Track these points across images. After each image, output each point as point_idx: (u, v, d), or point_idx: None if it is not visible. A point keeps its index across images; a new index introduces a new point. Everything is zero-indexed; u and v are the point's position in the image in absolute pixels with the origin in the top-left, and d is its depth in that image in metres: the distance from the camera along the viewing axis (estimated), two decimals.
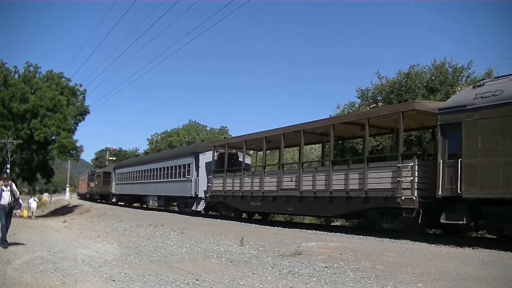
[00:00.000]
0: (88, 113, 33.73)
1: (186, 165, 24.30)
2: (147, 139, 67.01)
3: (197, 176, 23.06)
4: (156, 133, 63.73)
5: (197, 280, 6.81)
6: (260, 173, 18.60)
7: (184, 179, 24.29)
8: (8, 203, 10.84)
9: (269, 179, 18.03)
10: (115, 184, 39.15)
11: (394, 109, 14.15)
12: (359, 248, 10.00)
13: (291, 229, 15.23)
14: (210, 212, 24.15)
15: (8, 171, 25.10)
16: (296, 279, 6.88)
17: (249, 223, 18.31)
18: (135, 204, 36.51)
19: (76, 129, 32.08)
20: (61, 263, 8.39)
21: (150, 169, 30.66)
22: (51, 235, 14.21)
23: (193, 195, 23.15)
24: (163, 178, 27.83)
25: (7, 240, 10.86)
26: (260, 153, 24.06)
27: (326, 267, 7.75)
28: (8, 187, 10.92)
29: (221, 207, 21.95)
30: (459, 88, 20.67)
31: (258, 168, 21.30)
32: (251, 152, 27.76)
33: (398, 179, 12.23)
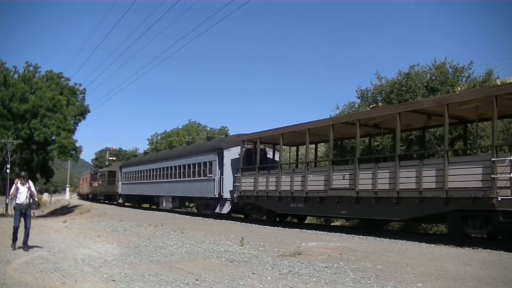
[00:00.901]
0: (88, 112, 33.70)
1: (208, 163, 22.14)
2: (147, 139, 67.06)
3: (221, 174, 20.82)
4: (156, 133, 63.84)
5: (197, 280, 6.81)
6: (302, 171, 16.49)
7: (206, 178, 22.14)
8: (26, 203, 10.36)
9: (314, 177, 15.81)
10: (122, 184, 37.07)
11: (485, 92, 11.96)
12: (359, 248, 10.01)
13: (291, 229, 15.23)
14: (235, 214, 22.24)
15: (8, 171, 25.05)
16: (296, 279, 6.88)
17: (249, 223, 18.31)
18: (143, 205, 34.85)
19: (76, 129, 32.07)
20: (61, 263, 8.39)
21: (163, 168, 28.30)
22: (51, 235, 14.20)
23: (217, 196, 20.92)
24: (179, 177, 25.55)
25: (28, 243, 10.30)
26: (286, 148, 22.82)
27: (326, 267, 7.75)
28: (26, 186, 10.39)
29: (251, 209, 19.58)
30: (459, 88, 20.69)
31: (293, 166, 20.36)
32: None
33: (492, 176, 10.25)
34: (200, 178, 22.87)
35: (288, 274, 7.28)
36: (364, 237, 12.66)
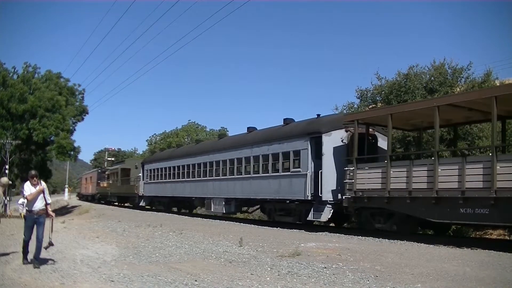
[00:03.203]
0: (87, 113, 33.69)
1: (291, 153, 16.39)
2: (146, 140, 67.01)
3: (317, 168, 15.22)
4: (155, 133, 63.78)
5: (196, 280, 6.80)
6: (484, 158, 11.75)
7: (288, 174, 16.53)
8: (39, 210, 8.36)
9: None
10: (145, 183, 30.71)
11: None
12: (358, 248, 10.02)
13: (290, 230, 15.23)
14: (333, 223, 17.21)
15: (7, 171, 25.03)
16: (295, 280, 6.88)
17: (248, 223, 18.31)
18: (167, 208, 28.94)
19: (74, 129, 32.09)
20: (60, 264, 8.37)
21: (212, 162, 22.22)
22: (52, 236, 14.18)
23: (309, 198, 15.32)
24: (239, 174, 19.85)
25: (39, 257, 8.31)
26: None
27: (325, 267, 7.76)
28: (38, 187, 8.39)
29: (372, 216, 14.15)
30: (458, 89, 20.73)
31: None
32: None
33: None
34: (277, 174, 17.21)
35: (287, 274, 7.28)
36: (363, 237, 12.66)
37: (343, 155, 15.01)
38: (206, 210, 23.36)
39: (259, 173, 18.35)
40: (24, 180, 9.29)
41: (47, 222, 8.63)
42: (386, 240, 12.10)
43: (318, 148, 15.30)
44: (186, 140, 51.54)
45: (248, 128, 20.91)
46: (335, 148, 15.21)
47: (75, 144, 30.57)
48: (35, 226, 8.39)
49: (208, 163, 22.57)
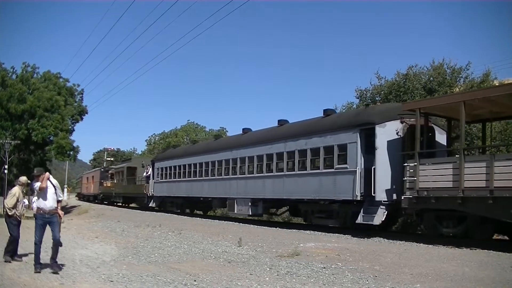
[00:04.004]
0: (86, 113, 33.71)
1: (336, 148, 14.47)
2: (145, 140, 67.02)
3: (368, 164, 13.50)
4: (154, 134, 63.79)
5: (195, 280, 6.80)
6: None
7: (332, 170, 14.59)
8: (51, 208, 8.01)
9: None
10: (155, 182, 28.57)
11: None
12: (357, 249, 10.02)
13: (289, 230, 15.23)
14: (382, 226, 14.02)
15: (6, 171, 24.99)
16: (294, 280, 6.88)
17: (247, 223, 18.31)
18: (183, 211, 26.61)
19: (73, 129, 32.10)
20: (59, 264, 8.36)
21: (236, 159, 19.94)
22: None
23: (358, 198, 13.51)
24: (269, 172, 17.74)
25: (57, 261, 7.90)
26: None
27: (324, 268, 7.76)
28: (49, 184, 7.90)
29: (438, 219, 12.15)
30: (457, 89, 20.77)
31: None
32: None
33: None
34: (317, 171, 15.21)
35: (286, 274, 7.28)
36: (362, 238, 12.67)
37: (397, 150, 13.30)
38: (228, 211, 21.26)
39: (294, 171, 16.28)
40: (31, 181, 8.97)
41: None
42: (385, 240, 12.12)
43: (370, 141, 13.54)
44: (185, 140, 51.47)
45: (278, 121, 19.02)
46: (389, 142, 13.42)
47: (74, 144, 30.62)
48: (46, 227, 7.96)
49: (231, 160, 20.34)
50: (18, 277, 7.14)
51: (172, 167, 26.35)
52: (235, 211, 19.75)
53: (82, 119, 33.03)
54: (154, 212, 27.26)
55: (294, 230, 15.23)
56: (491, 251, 9.73)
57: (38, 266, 7.63)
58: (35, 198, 8.01)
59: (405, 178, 12.36)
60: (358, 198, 13.52)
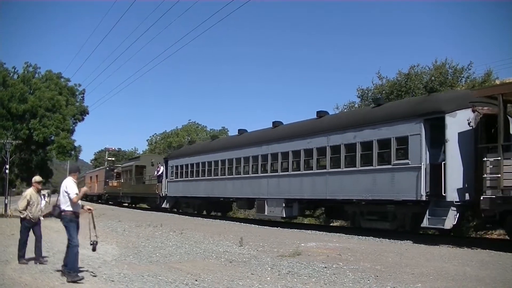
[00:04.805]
0: (87, 113, 33.74)
1: (395, 140, 12.74)
2: (146, 140, 67.08)
3: (434, 159, 11.96)
4: (155, 133, 63.84)
5: (196, 280, 6.80)
6: None
7: (389, 167, 12.83)
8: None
9: None
10: (169, 181, 26.59)
11: None
12: (358, 248, 10.02)
13: (290, 230, 15.22)
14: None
15: (7, 171, 25.03)
16: (295, 280, 6.87)
17: (248, 223, 18.30)
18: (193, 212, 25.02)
19: (74, 129, 32.13)
20: (60, 264, 8.36)
21: (267, 155, 18.10)
22: (51, 235, 14.16)
23: (423, 198, 11.82)
24: (308, 169, 15.86)
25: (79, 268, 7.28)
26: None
27: (325, 267, 7.75)
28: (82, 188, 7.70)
29: None
30: (458, 89, 20.77)
31: None
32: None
33: None
34: (369, 167, 13.47)
35: (287, 274, 7.28)
36: (363, 237, 12.66)
37: (469, 143, 11.62)
38: (256, 213, 19.30)
39: (340, 167, 14.47)
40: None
41: (87, 219, 7.91)
42: (387, 240, 12.10)
43: (437, 133, 11.85)
44: (186, 139, 51.49)
45: (317, 112, 17.18)
46: (460, 134, 11.67)
47: (76, 144, 30.66)
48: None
49: (260, 157, 18.50)
50: (20, 277, 7.14)
51: (189, 165, 24.35)
52: (266, 213, 17.91)
53: (83, 119, 33.08)
54: (155, 212, 27.21)
55: (295, 230, 15.22)
56: (492, 250, 9.73)
57: (74, 274, 6.88)
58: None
59: (485, 175, 10.53)
60: (424, 198, 11.82)
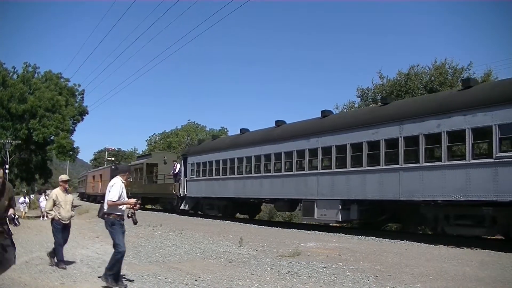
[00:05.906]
0: (87, 113, 33.78)
1: (497, 128, 10.51)
2: (146, 140, 67.07)
3: None
4: (155, 133, 63.85)
5: (196, 280, 6.80)
6: None
7: (490, 161, 10.57)
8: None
9: None
10: (189, 180, 23.71)
11: None
12: (358, 248, 10.01)
13: (290, 230, 15.22)
14: None
15: (7, 171, 25.05)
16: (295, 280, 6.87)
17: (248, 223, 18.29)
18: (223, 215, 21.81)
19: (74, 129, 32.16)
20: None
21: (316, 149, 15.57)
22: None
23: None
24: (373, 164, 13.47)
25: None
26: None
27: (325, 267, 7.75)
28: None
29: None
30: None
31: None
32: None
33: None
34: (461, 162, 11.20)
35: (287, 274, 7.28)
36: (363, 237, 12.65)
37: None
38: (302, 216, 16.52)
39: (418, 162, 12.03)
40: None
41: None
42: (386, 240, 12.09)
43: None
44: (186, 139, 51.44)
45: (381, 98, 15.37)
46: None
47: (75, 145, 30.70)
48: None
49: (307, 151, 15.96)
50: (19, 277, 7.13)
51: (214, 162, 21.52)
52: (315, 216, 15.33)
53: (82, 119, 33.12)
54: (154, 212, 27.18)
55: (294, 230, 15.22)
56: (492, 250, 9.73)
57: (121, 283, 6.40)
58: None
59: None
60: None
